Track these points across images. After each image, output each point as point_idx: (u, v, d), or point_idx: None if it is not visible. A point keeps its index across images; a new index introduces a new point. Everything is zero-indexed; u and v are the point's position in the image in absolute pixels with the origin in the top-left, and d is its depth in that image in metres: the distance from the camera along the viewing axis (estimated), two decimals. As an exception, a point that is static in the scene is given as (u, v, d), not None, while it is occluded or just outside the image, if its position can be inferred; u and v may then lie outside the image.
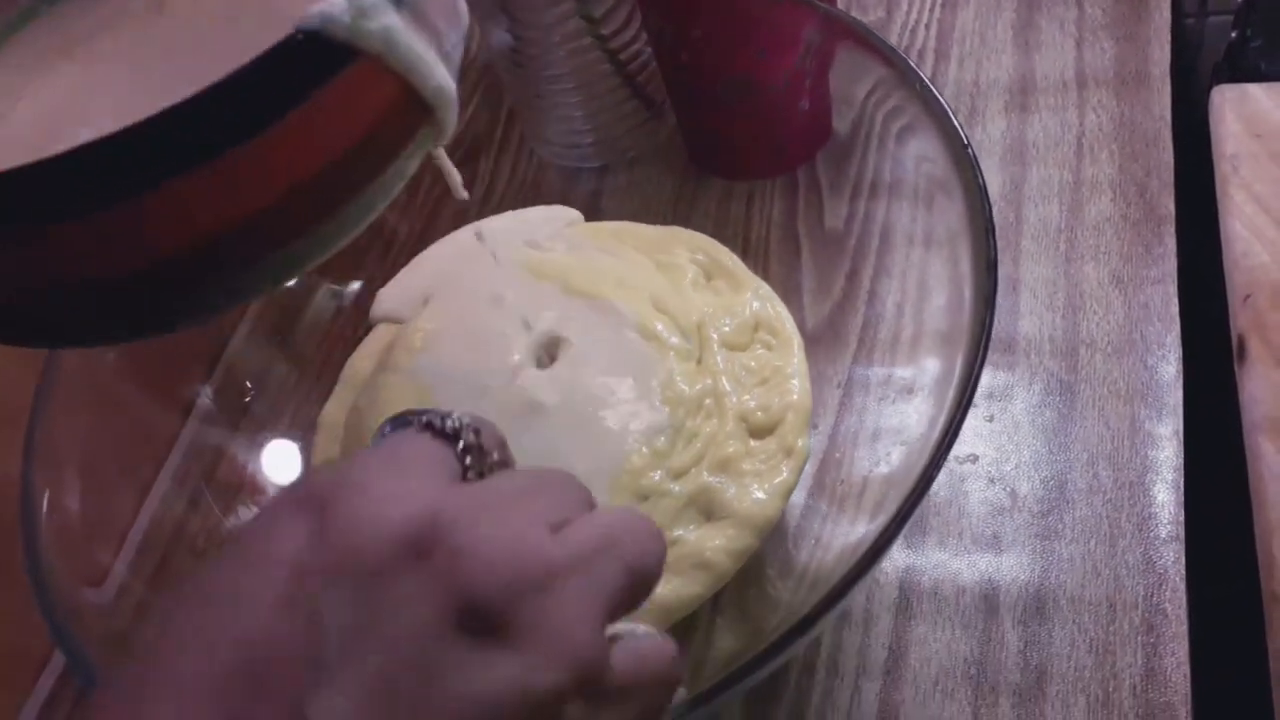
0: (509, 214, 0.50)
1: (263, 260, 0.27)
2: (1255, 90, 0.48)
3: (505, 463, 0.25)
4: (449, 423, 0.24)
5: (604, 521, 0.23)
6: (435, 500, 0.21)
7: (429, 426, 0.24)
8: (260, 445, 0.48)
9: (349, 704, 0.19)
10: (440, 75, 0.27)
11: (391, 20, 0.25)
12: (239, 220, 0.26)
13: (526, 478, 0.24)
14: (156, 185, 0.24)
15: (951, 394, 0.31)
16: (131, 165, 0.24)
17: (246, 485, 0.46)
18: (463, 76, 0.64)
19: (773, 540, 0.40)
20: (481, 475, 0.24)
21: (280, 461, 0.47)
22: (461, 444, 0.24)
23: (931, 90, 0.38)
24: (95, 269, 0.26)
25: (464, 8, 0.30)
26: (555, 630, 0.20)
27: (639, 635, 0.23)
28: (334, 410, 0.45)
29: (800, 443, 0.41)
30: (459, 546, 0.20)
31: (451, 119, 0.28)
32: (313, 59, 0.25)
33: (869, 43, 0.42)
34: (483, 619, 0.20)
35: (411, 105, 0.27)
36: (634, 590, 0.22)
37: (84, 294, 0.26)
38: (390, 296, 0.47)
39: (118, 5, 0.32)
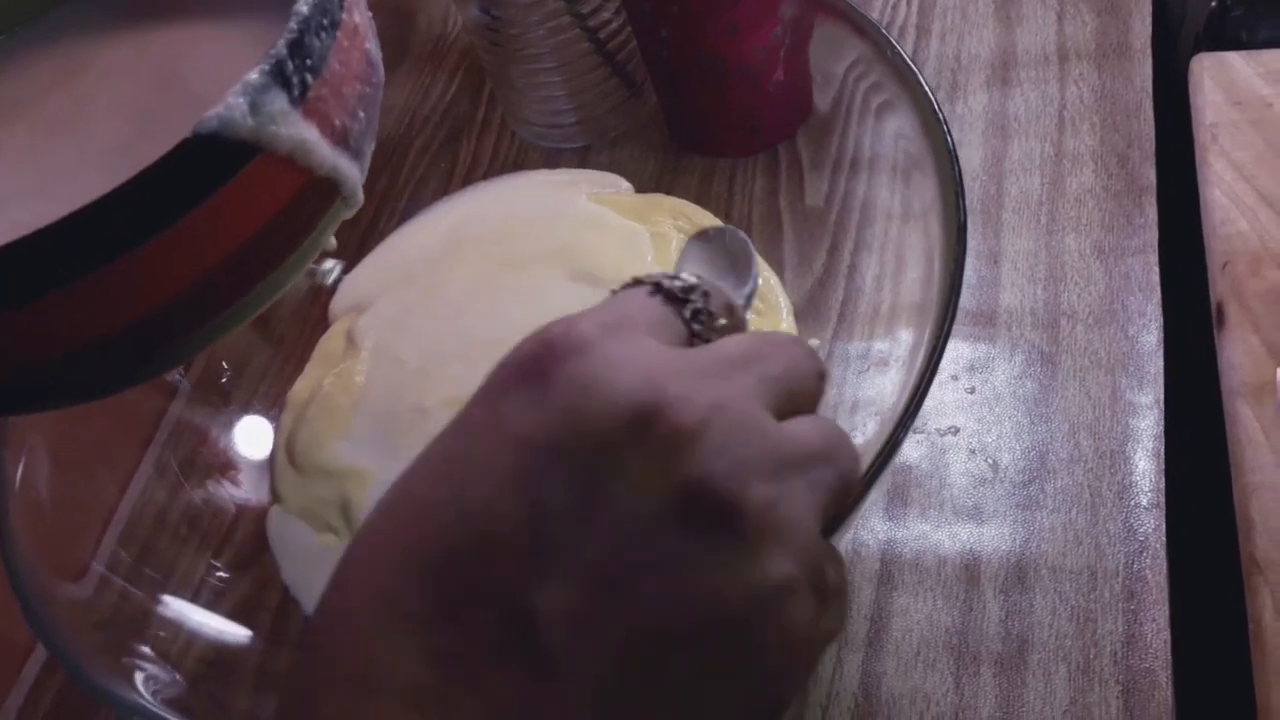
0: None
1: (181, 338, 0.28)
2: (1234, 58, 0.47)
3: (735, 327, 0.24)
4: (677, 283, 0.23)
5: (825, 426, 0.22)
6: (661, 369, 0.20)
7: (658, 289, 0.23)
8: (237, 425, 0.48)
9: (571, 591, 0.18)
10: (339, 162, 0.28)
11: (288, 117, 0.25)
12: (151, 309, 0.26)
13: (755, 343, 0.22)
14: (61, 286, 0.25)
15: (919, 361, 0.31)
16: (31, 269, 0.24)
17: (224, 465, 0.46)
18: (442, 59, 0.64)
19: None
20: (708, 341, 0.23)
21: (257, 441, 0.47)
22: (689, 308, 0.23)
23: (906, 61, 0.38)
24: (9, 357, 0.26)
25: (378, 64, 0.30)
26: (785, 522, 0.19)
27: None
28: (302, 388, 0.45)
29: None
30: (686, 425, 0.19)
31: (357, 195, 0.29)
32: (214, 159, 0.25)
33: (848, 17, 0.42)
34: (709, 505, 0.19)
35: (318, 186, 0.28)
36: (841, 501, 0.22)
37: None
38: (354, 285, 0.47)
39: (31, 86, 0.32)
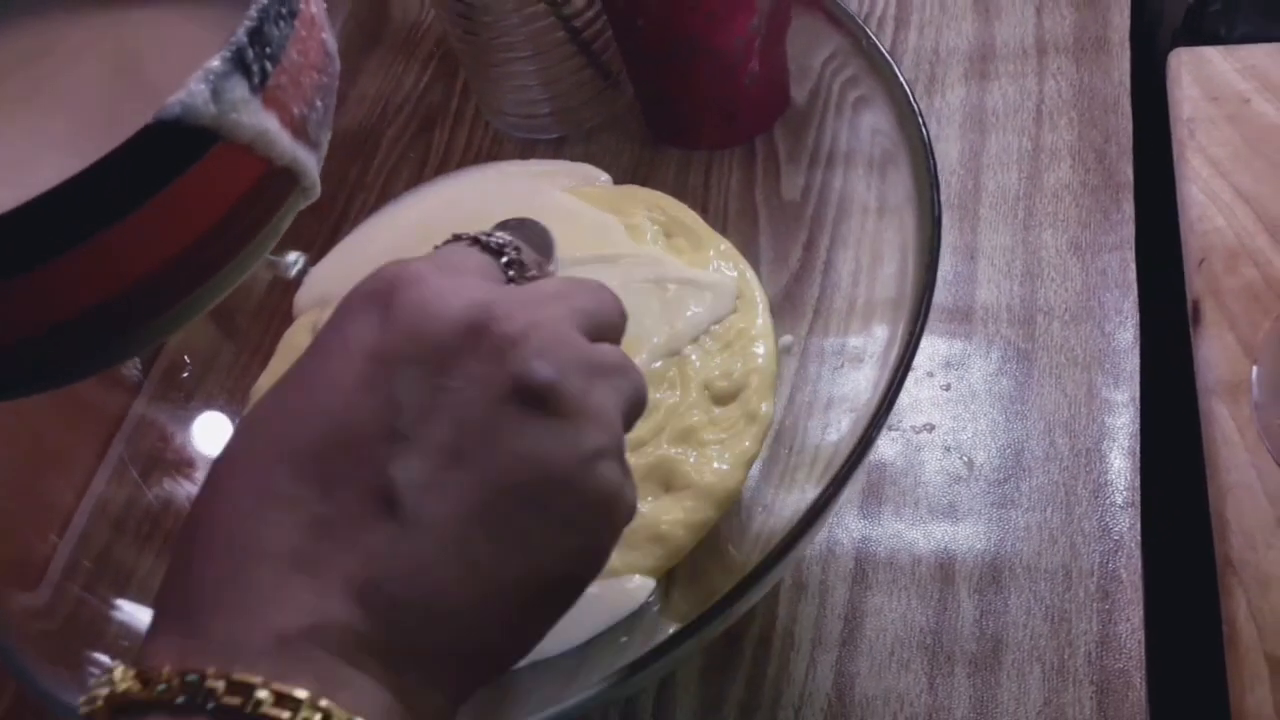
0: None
1: (136, 328, 0.29)
2: (1212, 53, 0.47)
3: (545, 277, 0.28)
4: (493, 239, 0.27)
5: (623, 353, 0.26)
6: (487, 295, 0.24)
7: (476, 242, 0.27)
8: (200, 422, 0.47)
9: (425, 464, 0.22)
10: (298, 152, 0.28)
11: (249, 105, 0.26)
12: (107, 297, 0.27)
13: (563, 282, 0.26)
14: (27, 269, 0.25)
15: (893, 357, 0.31)
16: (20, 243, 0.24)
17: (186, 463, 0.45)
18: (415, 47, 0.63)
19: (728, 510, 0.39)
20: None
21: (220, 438, 0.46)
22: (505, 258, 0.27)
23: (882, 54, 0.38)
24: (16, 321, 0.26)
25: (334, 54, 0.31)
26: (596, 407, 0.23)
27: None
28: (266, 383, 0.44)
29: (764, 407, 0.40)
30: (511, 334, 0.23)
31: (315, 185, 0.30)
32: (175, 146, 0.25)
33: (824, 8, 0.41)
34: (534, 394, 0.22)
35: (276, 176, 0.28)
36: (635, 408, 0.26)
37: None
38: (319, 279, 0.46)
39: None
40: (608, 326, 0.26)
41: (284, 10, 0.27)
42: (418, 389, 0.22)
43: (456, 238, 0.27)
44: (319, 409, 0.22)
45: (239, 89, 0.25)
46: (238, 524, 0.22)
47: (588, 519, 0.23)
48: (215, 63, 0.25)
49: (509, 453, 0.22)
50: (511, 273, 0.27)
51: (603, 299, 0.27)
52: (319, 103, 0.29)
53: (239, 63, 0.25)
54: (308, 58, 0.28)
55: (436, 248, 0.27)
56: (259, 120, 0.26)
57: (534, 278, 0.27)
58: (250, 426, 0.24)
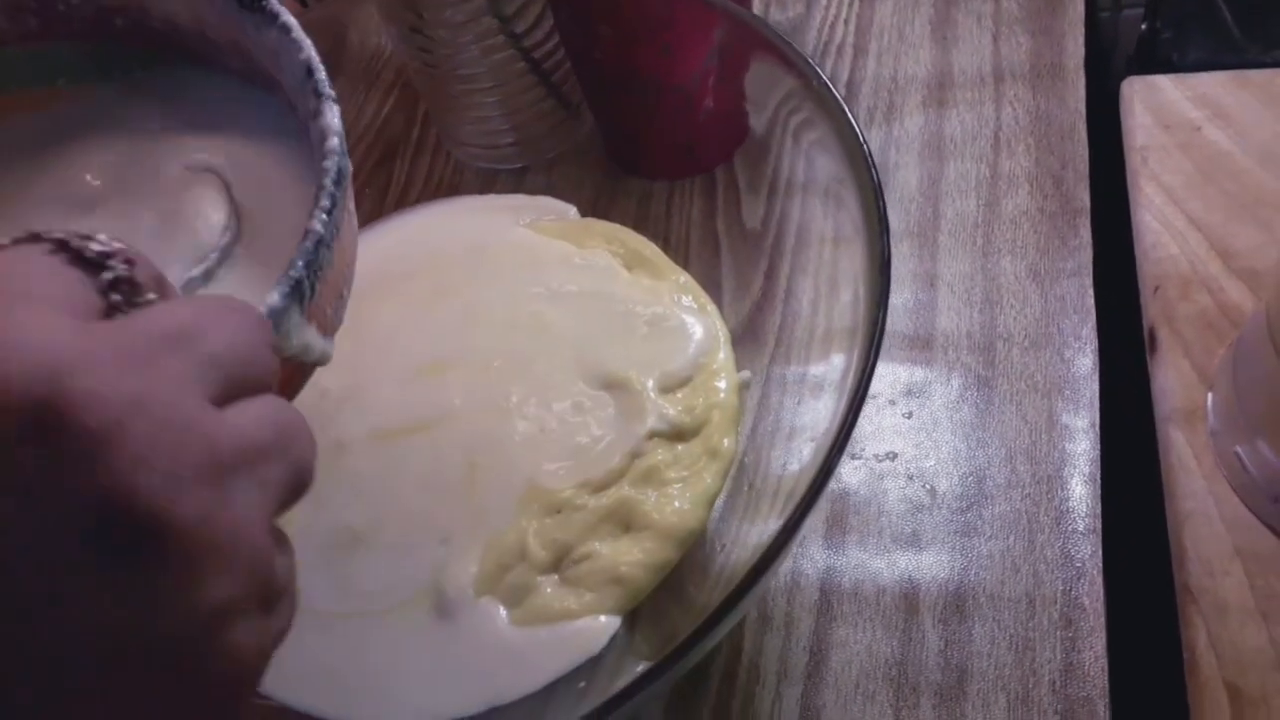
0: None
1: None
2: (1163, 81, 0.48)
3: (166, 300, 0.20)
4: (92, 246, 0.18)
5: (275, 411, 0.19)
6: (66, 352, 0.16)
7: (64, 247, 0.18)
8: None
9: None
10: (328, 347, 0.29)
11: (299, 326, 0.26)
12: None
13: (185, 313, 0.18)
14: None
15: (848, 386, 0.31)
16: None
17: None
18: (376, 77, 0.62)
19: (690, 548, 0.39)
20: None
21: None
22: (109, 275, 0.18)
23: (835, 97, 0.38)
24: None
25: (356, 238, 0.31)
26: (225, 535, 0.17)
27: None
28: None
29: (726, 443, 0.40)
30: (96, 428, 0.15)
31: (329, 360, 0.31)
32: None
33: (772, 45, 0.41)
34: (129, 526, 0.15)
35: (305, 370, 0.29)
36: (296, 492, 0.19)
37: None
38: None
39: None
40: (252, 374, 0.19)
41: (335, 232, 0.27)
42: None
43: (35, 237, 0.18)
44: None
45: (294, 317, 0.26)
46: None
47: (212, 685, 0.17)
48: (276, 299, 0.25)
49: (78, 627, 0.15)
50: (116, 297, 0.18)
51: (240, 332, 0.19)
52: (344, 293, 0.30)
53: (296, 295, 0.26)
54: (344, 258, 0.29)
55: (1, 247, 0.19)
56: (304, 336, 0.27)
57: (150, 303, 0.19)
58: None
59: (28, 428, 0.15)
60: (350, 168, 0.28)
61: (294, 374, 0.29)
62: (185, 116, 0.34)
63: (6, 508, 0.15)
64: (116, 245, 0.19)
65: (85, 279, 0.18)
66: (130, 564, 0.16)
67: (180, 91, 0.35)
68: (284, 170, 0.33)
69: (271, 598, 0.18)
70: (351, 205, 0.30)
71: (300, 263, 0.26)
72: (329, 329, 0.29)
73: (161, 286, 0.20)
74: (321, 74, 0.29)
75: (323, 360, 0.29)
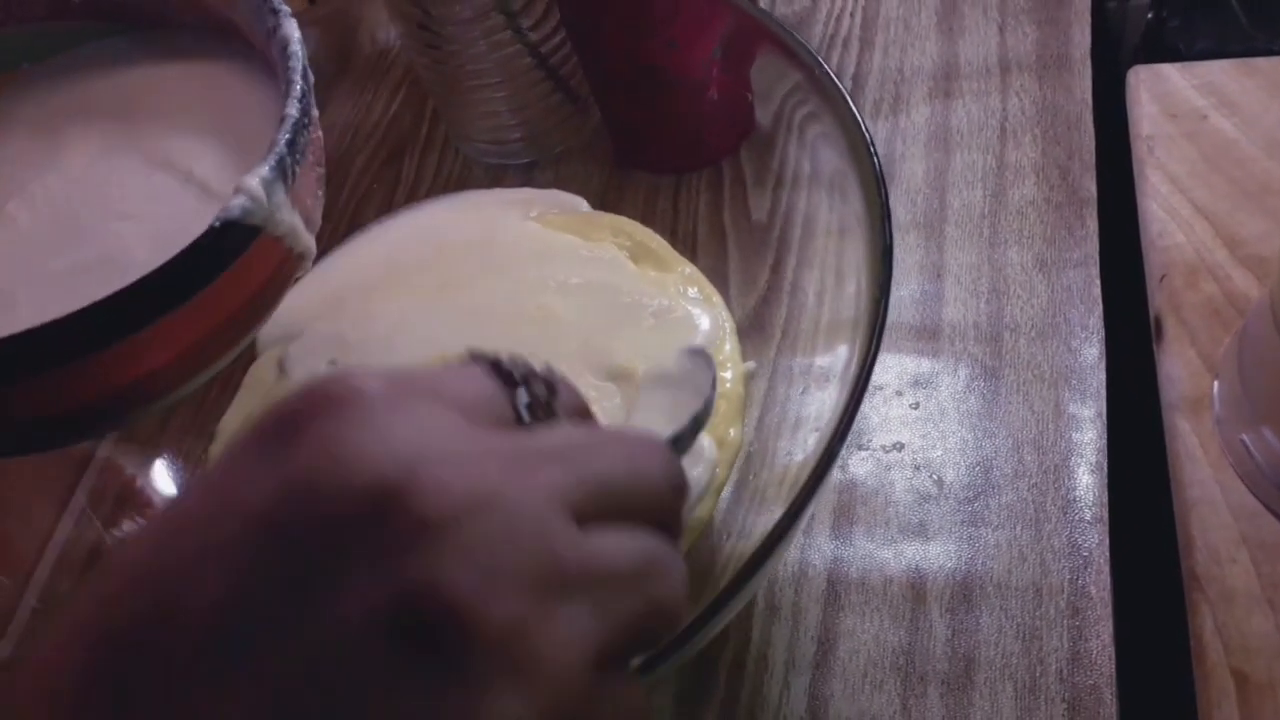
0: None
1: (168, 394, 0.32)
2: (1170, 70, 0.48)
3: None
4: (520, 365, 0.19)
5: (650, 545, 0.17)
6: (433, 446, 0.16)
7: (496, 366, 0.19)
8: (166, 459, 0.46)
9: (235, 709, 0.15)
10: (310, 239, 0.33)
11: (286, 204, 0.30)
12: (143, 376, 0.30)
13: (582, 433, 0.18)
14: (108, 346, 0.28)
15: (850, 376, 0.31)
16: (90, 334, 0.28)
17: (151, 502, 0.45)
18: (384, 74, 0.63)
19: (698, 538, 0.39)
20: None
21: (178, 476, 0.46)
22: (526, 395, 0.18)
23: (840, 91, 0.38)
24: (39, 409, 0.30)
25: (323, 146, 0.35)
26: (533, 651, 0.15)
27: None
28: (233, 419, 0.44)
29: (732, 433, 0.40)
30: (427, 519, 0.15)
31: (311, 261, 0.35)
32: (232, 240, 0.29)
33: (777, 38, 0.41)
34: (429, 617, 0.15)
35: (292, 259, 0.33)
36: (650, 633, 0.17)
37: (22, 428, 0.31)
38: (286, 311, 0.46)
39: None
40: (640, 504, 0.18)
41: (310, 118, 0.31)
42: (281, 586, 0.15)
43: (475, 358, 0.19)
44: (154, 579, 0.16)
45: (281, 192, 0.30)
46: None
47: None
48: (265, 170, 0.29)
49: (350, 706, 0.15)
50: (528, 418, 0.18)
51: (641, 461, 0.18)
52: (319, 192, 0.34)
53: (282, 169, 0.29)
54: (315, 155, 0.33)
55: (447, 366, 0.19)
56: (292, 218, 0.30)
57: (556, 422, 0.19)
58: (91, 580, 0.17)
59: (365, 505, 0.15)
60: (311, 76, 0.32)
61: (283, 262, 0.32)
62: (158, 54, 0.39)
63: (329, 588, 0.15)
64: (541, 369, 0.19)
65: (502, 392, 0.18)
66: (420, 658, 0.15)
67: (150, 41, 0.39)
68: (249, 94, 0.36)
69: None
70: (315, 111, 0.33)
71: (283, 140, 0.30)
72: (311, 224, 0.32)
73: (583, 417, 0.20)
74: None
75: (307, 254, 0.32)
